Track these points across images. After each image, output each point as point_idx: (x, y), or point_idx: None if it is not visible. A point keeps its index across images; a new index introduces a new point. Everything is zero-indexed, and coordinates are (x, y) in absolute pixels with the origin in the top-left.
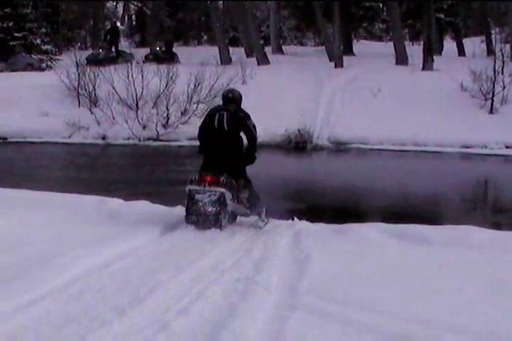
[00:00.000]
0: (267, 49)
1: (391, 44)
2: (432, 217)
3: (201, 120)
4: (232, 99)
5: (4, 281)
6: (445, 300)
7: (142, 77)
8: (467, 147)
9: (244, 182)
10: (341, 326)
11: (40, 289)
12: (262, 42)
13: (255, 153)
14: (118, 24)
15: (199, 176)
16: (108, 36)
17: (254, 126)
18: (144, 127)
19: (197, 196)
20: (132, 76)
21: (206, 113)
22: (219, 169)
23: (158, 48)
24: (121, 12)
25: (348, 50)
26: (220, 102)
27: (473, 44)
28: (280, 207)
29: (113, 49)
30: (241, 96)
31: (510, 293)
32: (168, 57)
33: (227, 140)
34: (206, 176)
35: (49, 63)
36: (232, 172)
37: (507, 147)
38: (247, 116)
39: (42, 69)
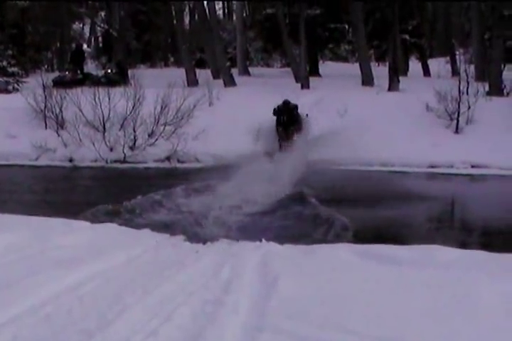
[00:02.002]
0: (234, 70)
1: (357, 65)
2: (399, 238)
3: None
4: (287, 104)
5: None
6: (416, 321)
7: (109, 99)
8: (433, 167)
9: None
10: None
11: (7, 313)
12: (228, 63)
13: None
14: (84, 46)
15: (282, 136)
16: (73, 58)
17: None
18: (111, 149)
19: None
20: (99, 98)
21: (275, 108)
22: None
23: (109, 71)
24: (87, 34)
25: (314, 71)
26: None
27: (439, 64)
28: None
29: (79, 71)
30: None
31: (477, 310)
32: (119, 79)
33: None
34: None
35: (15, 85)
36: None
37: (472, 166)
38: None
39: (8, 92)
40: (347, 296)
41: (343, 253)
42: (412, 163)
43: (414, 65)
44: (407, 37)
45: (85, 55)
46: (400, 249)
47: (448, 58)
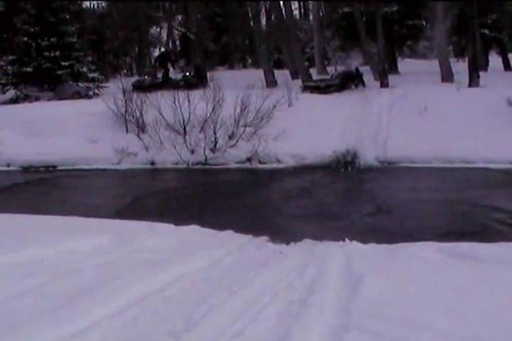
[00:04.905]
0: (312, 70)
1: (436, 61)
2: (482, 234)
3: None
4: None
5: (58, 308)
6: (503, 321)
7: (189, 102)
8: None
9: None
10: None
11: (94, 315)
12: (306, 63)
13: None
14: (162, 49)
15: None
16: (158, 60)
17: None
18: (192, 152)
19: None
20: (179, 101)
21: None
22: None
23: (188, 73)
24: (165, 38)
25: (393, 69)
26: None
27: None
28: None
29: (159, 75)
30: None
31: None
32: (198, 82)
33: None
34: None
35: (96, 91)
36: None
37: None
38: None
39: (89, 97)
40: (432, 295)
41: (427, 252)
42: (493, 159)
43: (495, 60)
44: (486, 31)
45: (172, 58)
46: (484, 247)
47: None
